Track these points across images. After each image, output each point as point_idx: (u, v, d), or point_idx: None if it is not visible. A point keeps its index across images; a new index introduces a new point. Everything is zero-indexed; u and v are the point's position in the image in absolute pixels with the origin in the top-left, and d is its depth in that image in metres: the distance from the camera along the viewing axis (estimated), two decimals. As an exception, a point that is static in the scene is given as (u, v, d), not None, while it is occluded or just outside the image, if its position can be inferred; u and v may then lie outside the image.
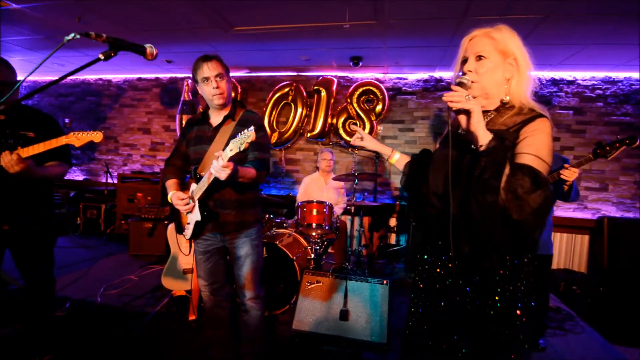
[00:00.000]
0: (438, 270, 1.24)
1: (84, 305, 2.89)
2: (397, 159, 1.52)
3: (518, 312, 1.10)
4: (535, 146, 1.05)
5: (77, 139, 1.74)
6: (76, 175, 6.18)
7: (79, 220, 5.20)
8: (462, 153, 1.14)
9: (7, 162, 1.63)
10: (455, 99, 1.02)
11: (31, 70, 0.92)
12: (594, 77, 4.15)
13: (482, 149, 1.02)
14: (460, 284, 1.16)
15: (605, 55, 3.56)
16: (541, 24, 2.92)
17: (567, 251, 4.26)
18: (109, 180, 5.13)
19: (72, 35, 0.93)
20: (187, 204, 1.76)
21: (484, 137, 1.03)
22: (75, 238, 5.01)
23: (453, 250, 1.08)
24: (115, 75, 5.84)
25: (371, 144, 1.53)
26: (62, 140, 1.73)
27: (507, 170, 1.00)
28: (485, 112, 1.18)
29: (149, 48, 1.16)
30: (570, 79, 4.24)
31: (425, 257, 1.31)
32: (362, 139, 1.53)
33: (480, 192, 1.03)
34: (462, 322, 1.14)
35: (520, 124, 1.09)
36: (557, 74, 4.25)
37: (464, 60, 1.19)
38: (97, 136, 1.74)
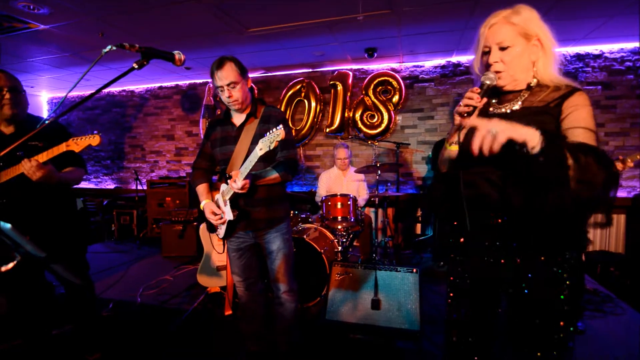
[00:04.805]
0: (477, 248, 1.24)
1: (126, 305, 3.05)
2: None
3: (562, 296, 1.09)
4: (584, 119, 1.07)
5: (77, 144, 1.70)
6: (107, 184, 6.46)
7: (113, 226, 5.45)
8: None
9: (28, 169, 1.61)
10: (482, 131, 0.99)
11: (75, 83, 0.99)
12: (622, 48, 3.96)
13: (535, 150, 0.96)
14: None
15: (633, 25, 3.37)
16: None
17: (603, 232, 4.10)
18: (139, 187, 5.35)
19: (109, 47, 0.99)
20: (220, 218, 1.83)
21: (533, 138, 0.96)
22: (110, 244, 5.26)
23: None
24: (138, 86, 6.05)
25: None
26: (62, 148, 1.70)
27: (570, 162, 0.95)
28: (517, 92, 1.18)
29: (177, 54, 1.22)
30: (596, 52, 4.06)
31: (452, 239, 1.32)
32: None
33: (544, 190, 1.02)
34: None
35: (560, 99, 1.10)
36: (582, 49, 4.08)
37: (486, 52, 1.15)
38: (94, 139, 1.71)
